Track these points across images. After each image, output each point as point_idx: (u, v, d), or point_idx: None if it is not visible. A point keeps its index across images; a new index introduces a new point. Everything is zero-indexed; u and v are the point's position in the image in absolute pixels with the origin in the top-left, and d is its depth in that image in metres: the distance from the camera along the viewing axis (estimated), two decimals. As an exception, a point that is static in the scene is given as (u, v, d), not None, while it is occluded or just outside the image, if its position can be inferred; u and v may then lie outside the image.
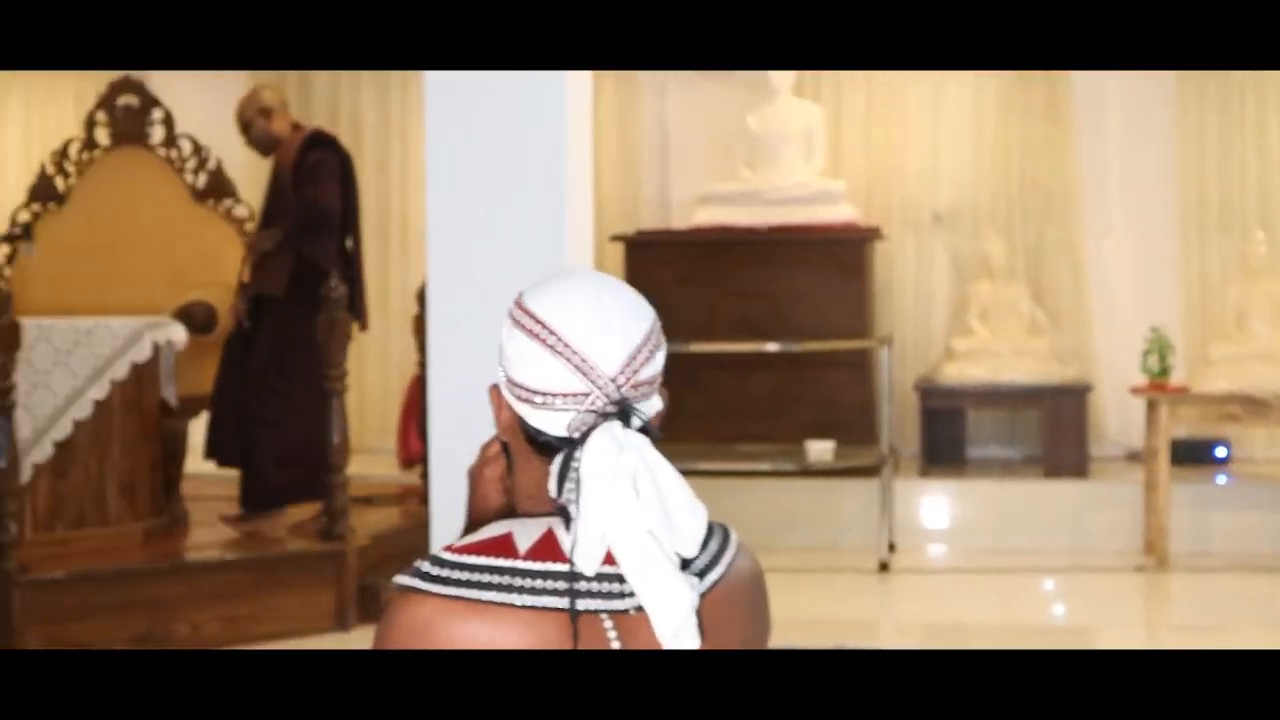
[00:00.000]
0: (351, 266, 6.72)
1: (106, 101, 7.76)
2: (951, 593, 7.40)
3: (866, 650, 1.89)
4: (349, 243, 6.72)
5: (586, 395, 1.73)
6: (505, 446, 1.86)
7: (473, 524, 1.95)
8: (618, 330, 1.75)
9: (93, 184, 7.77)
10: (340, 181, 6.66)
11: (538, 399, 1.74)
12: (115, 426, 6.23)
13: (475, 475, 1.96)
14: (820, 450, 7.87)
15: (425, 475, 7.25)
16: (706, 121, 9.70)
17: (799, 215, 8.94)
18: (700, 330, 8.07)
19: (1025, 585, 7.40)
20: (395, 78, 9.98)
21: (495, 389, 1.82)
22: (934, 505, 8.27)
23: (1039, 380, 8.63)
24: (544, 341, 1.74)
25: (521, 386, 1.76)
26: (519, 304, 1.78)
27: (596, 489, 1.67)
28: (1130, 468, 8.58)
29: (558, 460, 1.71)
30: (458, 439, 4.37)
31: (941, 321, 9.38)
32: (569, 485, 1.69)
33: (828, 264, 8.80)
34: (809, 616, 6.55)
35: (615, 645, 1.69)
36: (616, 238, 8.89)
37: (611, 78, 9.44)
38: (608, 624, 1.70)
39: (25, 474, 5.86)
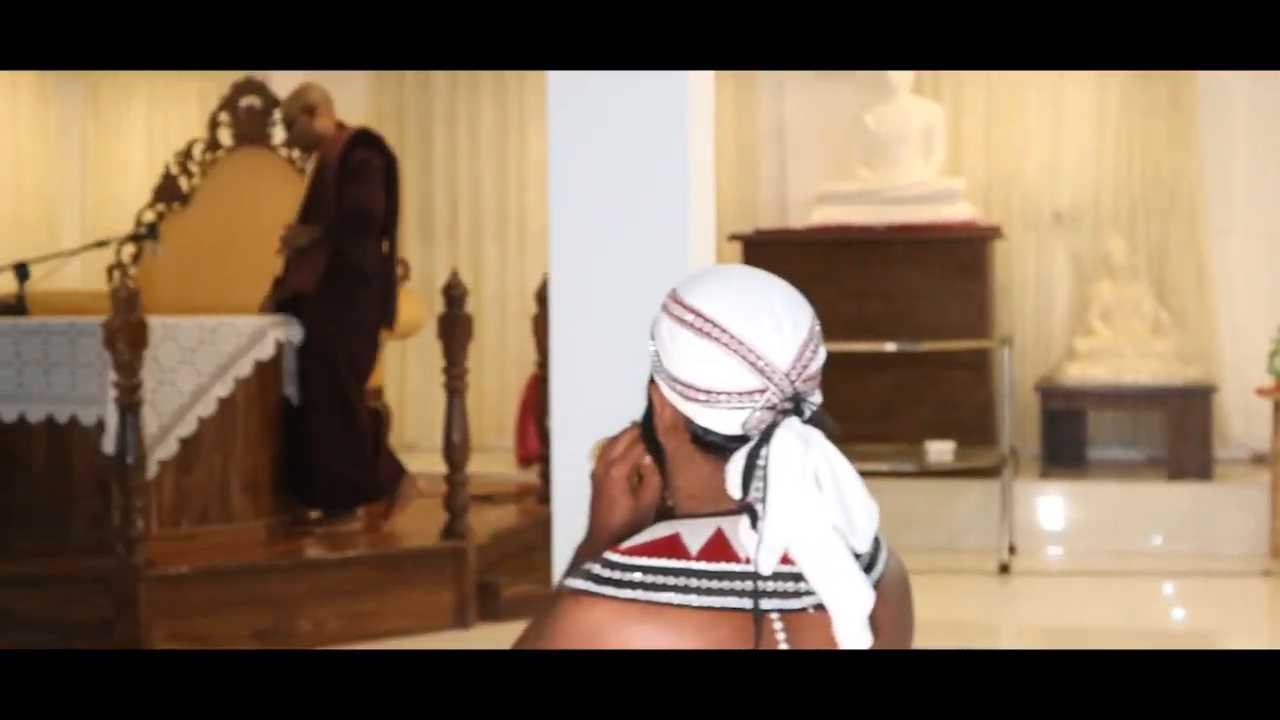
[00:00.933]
0: (388, 268, 6.73)
1: (229, 102, 7.85)
2: (1072, 596, 7.31)
3: (1015, 651, 1.86)
4: (385, 245, 6.73)
5: (761, 392, 1.70)
6: (652, 446, 1.83)
7: (598, 525, 1.93)
8: (787, 325, 1.72)
9: (216, 184, 7.86)
10: (384, 182, 6.64)
11: (709, 397, 1.71)
12: (239, 424, 6.30)
13: (601, 476, 1.92)
14: (940, 451, 7.81)
15: (543, 474, 7.29)
16: (824, 120, 9.65)
17: (918, 214, 8.87)
18: (818, 330, 7.99)
19: (1147, 589, 7.30)
20: (513, 78, 10.00)
21: (655, 387, 1.79)
22: (1054, 507, 8.17)
23: (1162, 381, 8.50)
24: (715, 339, 1.70)
25: (690, 385, 1.72)
26: (680, 302, 1.75)
27: (786, 487, 1.64)
28: (1256, 470, 8.43)
29: (739, 459, 1.68)
30: (580, 438, 4.35)
31: (1062, 321, 9.27)
32: (755, 484, 1.67)
33: (947, 263, 8.73)
34: (928, 618, 6.44)
35: (784, 646, 1.67)
36: (735, 237, 8.86)
37: (730, 77, 9.41)
38: (778, 625, 1.67)
39: (151, 470, 5.93)
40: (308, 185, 6.70)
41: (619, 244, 4.35)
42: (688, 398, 1.73)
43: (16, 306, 6.62)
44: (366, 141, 6.71)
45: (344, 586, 6.08)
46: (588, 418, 4.34)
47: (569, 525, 4.44)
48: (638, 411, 2.12)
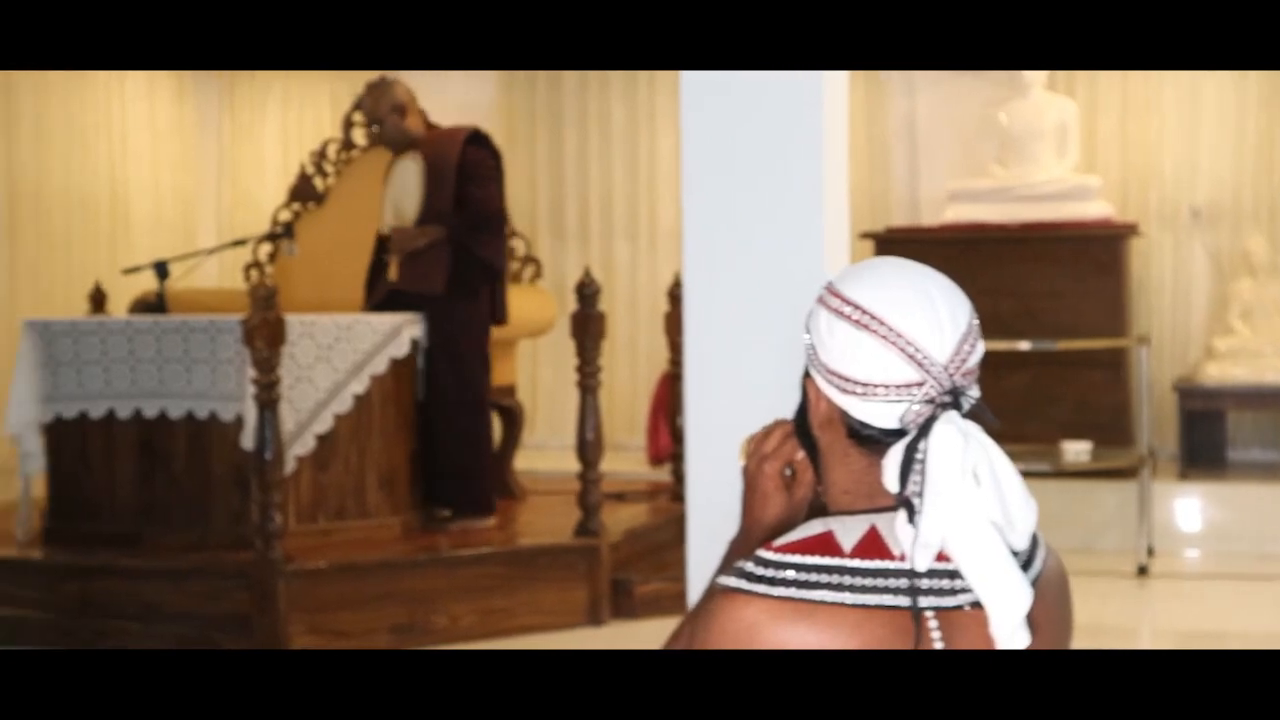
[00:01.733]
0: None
1: (363, 101, 7.91)
2: (1212, 599, 7.19)
3: (1156, 651, 1.83)
4: None
5: (920, 385, 1.68)
6: (806, 440, 1.82)
7: (751, 522, 1.92)
8: (946, 317, 1.70)
9: (350, 183, 7.95)
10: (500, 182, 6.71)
11: (866, 390, 1.70)
12: (374, 421, 6.36)
13: (754, 472, 1.91)
14: (1076, 451, 7.71)
15: (675, 472, 7.30)
16: (956, 118, 9.57)
17: (1052, 212, 8.77)
18: (951, 329, 7.92)
19: (1290, 593, 7.17)
20: (643, 76, 10.01)
21: (811, 381, 1.78)
22: (1193, 509, 8.04)
23: (1304, 382, 8.35)
24: (874, 332, 1.69)
25: (847, 378, 1.71)
26: (838, 294, 1.74)
27: (945, 481, 1.63)
28: (1401, 472, 8.26)
29: (897, 452, 1.67)
30: (714, 436, 4.36)
31: (1200, 320, 9.13)
32: (914, 478, 1.66)
33: (1082, 261, 8.62)
34: (1065, 620, 6.40)
35: (939, 645, 1.65)
36: (866, 235, 8.81)
37: (861, 74, 9.36)
38: (933, 623, 1.65)
39: (289, 467, 6.00)
40: (424, 186, 6.66)
41: (753, 242, 4.34)
42: (845, 390, 1.71)
43: (157, 305, 6.73)
44: (478, 141, 6.75)
45: (478, 583, 6.12)
46: (722, 416, 4.33)
47: (704, 523, 4.43)
48: (772, 408, 2.10)
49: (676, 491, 7.14)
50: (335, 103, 10.30)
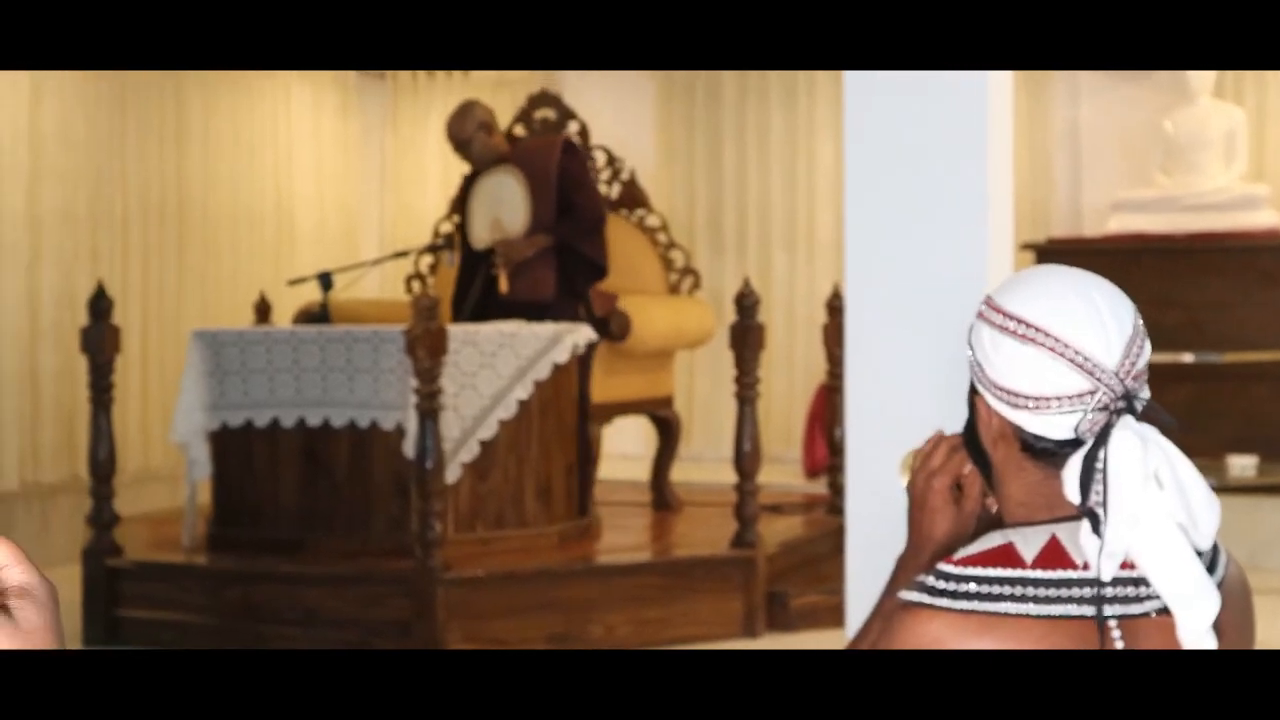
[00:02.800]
0: None
1: (524, 115, 7.98)
2: (1386, 619, 7.00)
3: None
4: None
5: (1092, 393, 1.66)
6: (978, 456, 1.80)
7: (921, 538, 1.90)
8: (1111, 321, 1.68)
9: (511, 195, 8.00)
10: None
11: (1038, 404, 1.68)
12: (533, 430, 6.39)
13: (921, 488, 1.89)
14: (1242, 466, 7.56)
15: (832, 484, 7.26)
16: (1120, 126, 9.43)
17: (1219, 222, 8.60)
18: (1114, 341, 7.81)
19: None
20: (803, 86, 10.00)
21: (979, 397, 1.76)
22: (1365, 526, 7.85)
23: None
24: (1040, 344, 1.67)
25: (1017, 394, 1.69)
26: (998, 309, 1.72)
27: (1127, 487, 1.60)
28: None
29: (1076, 463, 1.65)
30: (874, 448, 4.33)
31: (1374, 333, 8.90)
32: (1095, 488, 1.64)
33: (1249, 272, 8.45)
34: (1232, 639, 6.27)
35: None
36: (1027, 246, 8.70)
37: (1022, 81, 9.25)
38: (1116, 632, 1.63)
39: (453, 475, 6.05)
40: (531, 197, 6.78)
41: (915, 251, 4.31)
42: (1015, 405, 1.69)
43: (321, 315, 6.83)
44: (570, 150, 6.95)
45: (634, 593, 6.13)
46: (882, 427, 4.31)
47: (863, 536, 4.40)
48: (933, 420, 2.08)
49: (833, 504, 7.10)
50: (498, 116, 10.37)
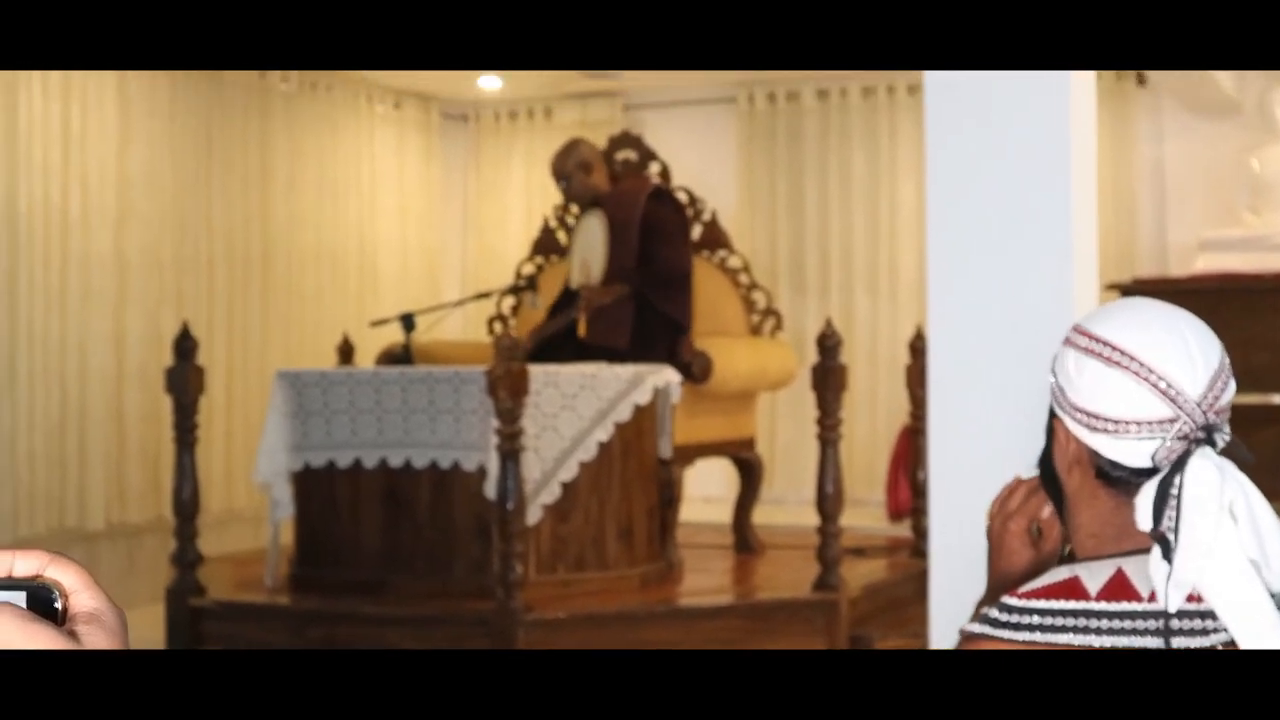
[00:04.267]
0: None
1: (606, 156, 7.99)
2: None
3: None
4: None
5: (1172, 421, 1.65)
6: (1052, 484, 1.78)
7: (998, 580, 1.89)
8: (1197, 353, 1.67)
9: (592, 236, 8.01)
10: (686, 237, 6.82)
11: (1118, 427, 1.67)
12: (614, 471, 6.38)
13: (998, 530, 1.89)
14: (1333, 510, 7.44)
15: (915, 527, 7.20)
16: (1204, 164, 9.34)
17: (1308, 262, 8.50)
18: (1202, 382, 7.71)
19: None
20: (884, 127, 9.99)
21: (1058, 421, 1.75)
22: None
23: None
24: (1125, 367, 1.66)
25: (1097, 416, 1.68)
26: (1086, 333, 1.72)
27: (1200, 517, 1.58)
28: None
29: (1151, 488, 1.63)
30: (957, 491, 4.29)
31: None
32: (1168, 514, 1.61)
33: (1340, 313, 8.33)
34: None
35: None
36: (1112, 286, 8.62)
37: (1106, 120, 9.18)
38: None
39: (534, 517, 6.05)
40: (608, 243, 6.78)
41: (999, 291, 4.27)
42: (1094, 429, 1.68)
43: (403, 356, 6.86)
44: (660, 197, 6.91)
45: (716, 635, 6.09)
46: (966, 470, 4.26)
47: (946, 579, 4.36)
48: (1018, 463, 2.06)
49: (917, 547, 7.05)
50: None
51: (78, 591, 0.94)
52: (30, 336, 7.99)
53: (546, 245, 8.06)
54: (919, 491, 7.03)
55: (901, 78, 9.88)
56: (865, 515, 9.09)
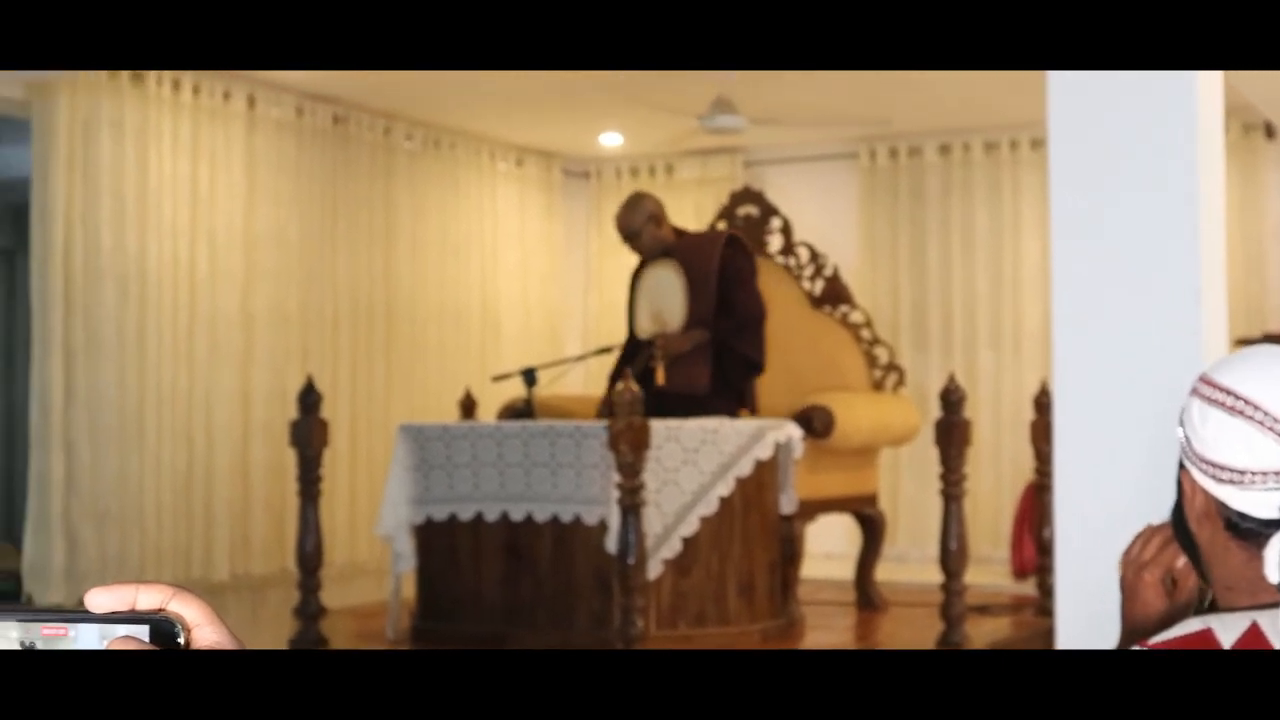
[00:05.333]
0: None
1: (727, 212, 8.00)
2: None
3: None
4: None
5: None
6: (1184, 538, 1.75)
7: (1130, 630, 1.85)
8: None
9: (713, 292, 8.01)
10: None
11: (1242, 478, 1.63)
12: (736, 525, 6.35)
13: (1132, 579, 1.85)
14: None
15: (1041, 585, 7.10)
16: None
17: None
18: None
19: None
20: (1006, 182, 9.92)
21: (1186, 474, 1.71)
22: None
23: None
24: (1249, 417, 1.62)
25: (1222, 466, 1.64)
26: (1211, 382, 1.67)
27: None
28: None
29: (1277, 542, 1.59)
30: (1085, 549, 4.22)
31: None
32: None
33: None
34: None
35: None
36: (1241, 341, 8.48)
37: (1235, 173, 9.06)
38: None
39: (654, 571, 6.03)
40: (688, 290, 6.80)
41: (1126, 346, 4.21)
42: (1220, 480, 1.64)
43: (525, 411, 6.88)
44: (734, 244, 6.97)
45: (838, 693, 6.02)
46: (1093, 527, 4.19)
47: (1073, 638, 4.28)
48: (1145, 519, 2.02)
49: (1043, 605, 6.94)
50: (699, 213, 10.44)
51: (200, 625, 0.94)
52: (159, 392, 8.11)
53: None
54: (1044, 549, 6.93)
55: (1025, 132, 9.82)
56: (989, 573, 8.98)
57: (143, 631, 0.93)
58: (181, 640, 0.93)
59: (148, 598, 0.95)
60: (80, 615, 0.94)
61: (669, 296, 6.84)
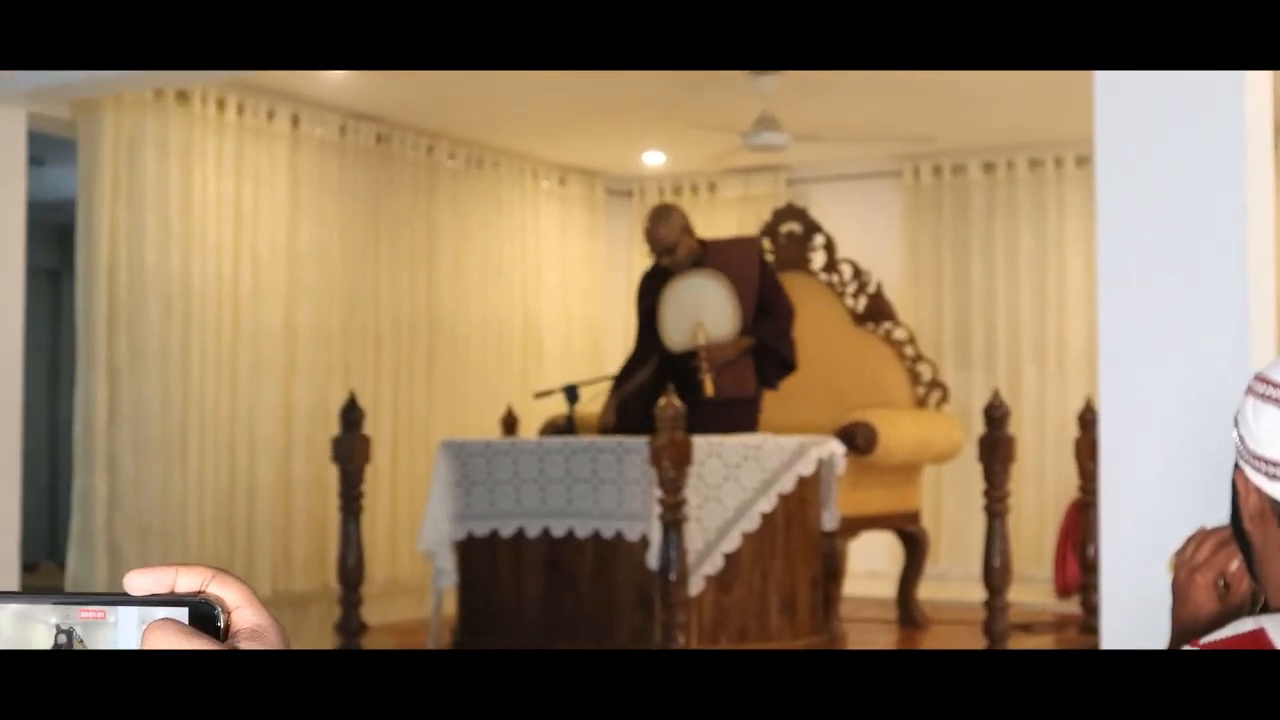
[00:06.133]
0: None
1: (770, 229, 7.99)
2: None
3: None
4: None
5: None
6: (1239, 537, 1.72)
7: (1180, 632, 1.82)
8: None
9: (756, 309, 8.00)
10: None
11: None
12: (778, 542, 6.32)
13: (1183, 583, 1.82)
14: None
15: (1085, 604, 7.05)
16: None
17: None
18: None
19: None
20: (1051, 200, 9.89)
21: (1240, 473, 1.69)
22: None
23: None
24: None
25: (1276, 463, 1.62)
26: (1265, 379, 1.65)
27: None
28: None
29: None
30: (1130, 566, 4.18)
31: None
32: None
33: None
34: None
35: None
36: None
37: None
38: None
39: (695, 587, 6.01)
40: (736, 300, 6.77)
41: (1172, 363, 4.17)
42: (1274, 477, 1.62)
43: (566, 428, 6.88)
44: (761, 247, 7.16)
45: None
46: (1138, 544, 4.15)
47: (1119, 654, 4.24)
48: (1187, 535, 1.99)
49: (1087, 623, 6.89)
50: (741, 230, 10.42)
51: (240, 608, 0.93)
52: (201, 407, 8.14)
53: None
54: (1089, 567, 6.88)
55: (1069, 149, 9.78)
56: (1032, 591, 8.92)
57: (182, 614, 0.92)
58: (221, 622, 0.92)
59: (187, 580, 0.94)
60: (119, 598, 0.93)
61: (715, 306, 6.76)
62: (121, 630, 0.92)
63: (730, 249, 7.02)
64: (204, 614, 0.92)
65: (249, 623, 0.92)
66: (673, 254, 6.90)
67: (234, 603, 0.93)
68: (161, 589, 0.94)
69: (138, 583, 0.94)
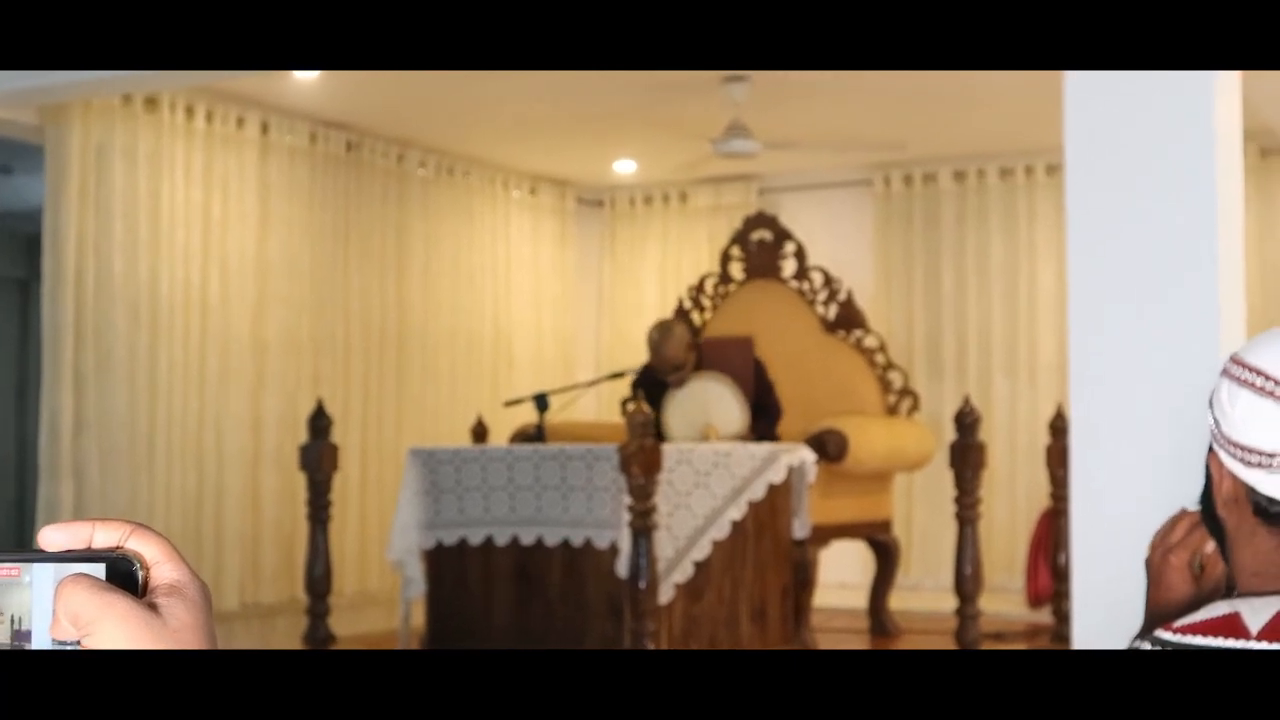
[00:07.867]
0: None
1: (741, 237, 7.97)
2: None
3: None
4: None
5: None
6: (1212, 522, 1.71)
7: (1154, 614, 1.81)
8: None
9: (727, 316, 7.97)
10: None
11: (1272, 462, 1.58)
12: (749, 550, 6.30)
13: (1157, 564, 1.81)
14: None
15: (1057, 612, 7.03)
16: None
17: None
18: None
19: None
20: (1022, 210, 9.89)
21: (1214, 457, 1.67)
22: None
23: None
24: (1278, 398, 1.59)
25: (1250, 449, 1.60)
26: (1241, 363, 1.63)
27: None
28: None
29: None
30: (1102, 573, 4.17)
31: None
32: None
33: None
34: None
35: None
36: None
37: (1253, 198, 9.01)
38: None
39: (665, 595, 5.98)
40: (742, 400, 6.99)
41: (1143, 369, 4.16)
42: (1248, 463, 1.60)
43: (536, 436, 6.85)
44: (753, 349, 7.24)
45: None
46: (1109, 552, 4.14)
47: (1090, 660, 4.23)
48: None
49: (1058, 632, 6.88)
50: (713, 240, 10.42)
51: (160, 563, 0.89)
52: (169, 417, 8.08)
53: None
54: (1060, 576, 6.87)
55: (1040, 158, 9.78)
56: (1004, 601, 8.91)
57: (99, 570, 0.88)
58: (140, 579, 0.89)
59: (104, 535, 0.90)
60: (34, 555, 0.89)
61: (723, 409, 6.89)
62: (36, 589, 0.88)
63: (726, 349, 7.12)
64: (122, 570, 0.89)
65: (168, 578, 0.89)
66: (680, 370, 7.00)
67: (153, 558, 0.89)
68: (78, 545, 0.90)
69: (53, 538, 0.90)
